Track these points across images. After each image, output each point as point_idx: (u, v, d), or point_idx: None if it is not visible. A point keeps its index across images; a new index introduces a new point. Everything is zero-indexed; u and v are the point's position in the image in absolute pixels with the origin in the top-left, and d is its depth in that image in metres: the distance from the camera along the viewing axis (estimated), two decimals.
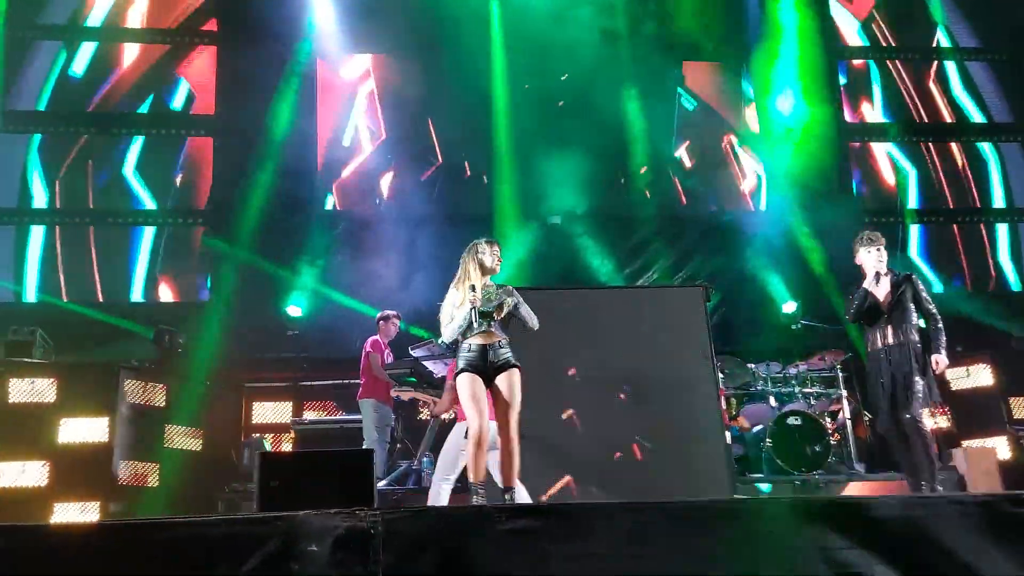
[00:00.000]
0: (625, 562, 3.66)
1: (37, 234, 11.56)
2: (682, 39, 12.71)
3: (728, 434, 7.66)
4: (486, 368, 5.63)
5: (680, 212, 12.80)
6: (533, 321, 5.84)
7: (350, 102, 12.57)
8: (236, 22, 12.22)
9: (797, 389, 9.40)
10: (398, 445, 9.14)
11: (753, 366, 9.66)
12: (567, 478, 7.15)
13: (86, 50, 12.17)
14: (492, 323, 5.65)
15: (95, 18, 12.25)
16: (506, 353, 5.69)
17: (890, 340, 6.40)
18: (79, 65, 12.09)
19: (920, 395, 6.20)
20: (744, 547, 3.64)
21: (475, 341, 5.66)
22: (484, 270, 5.79)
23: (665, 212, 12.63)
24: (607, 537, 3.71)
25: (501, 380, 5.61)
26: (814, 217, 11.78)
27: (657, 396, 7.41)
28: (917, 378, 6.23)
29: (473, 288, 5.68)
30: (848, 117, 13.40)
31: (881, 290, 6.51)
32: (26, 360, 9.00)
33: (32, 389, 8.66)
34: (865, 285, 6.52)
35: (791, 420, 8.68)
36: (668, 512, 3.87)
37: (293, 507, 3.68)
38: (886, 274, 6.54)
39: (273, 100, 11.84)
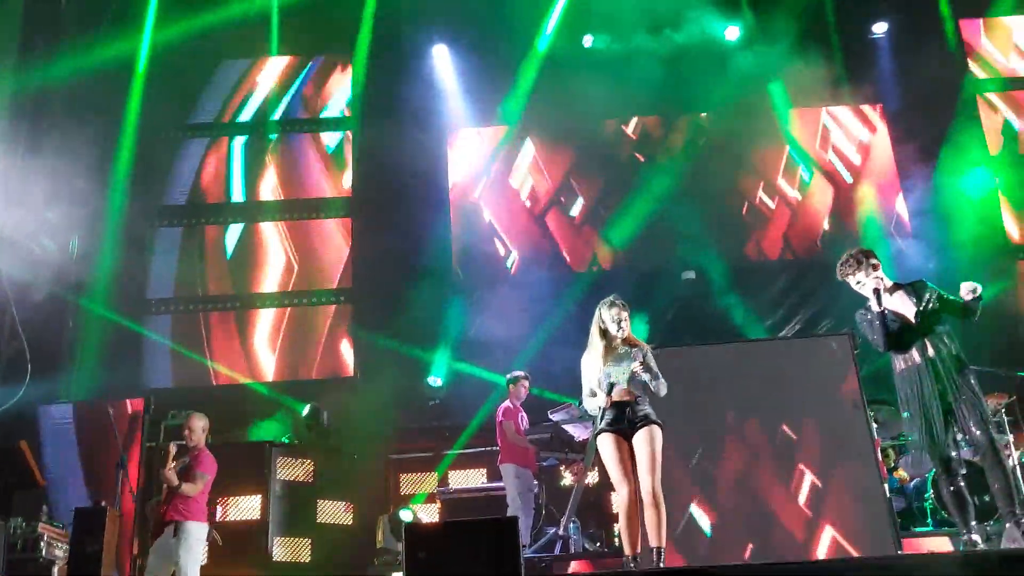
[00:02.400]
0: None
1: (198, 321, 12.17)
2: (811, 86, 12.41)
3: (886, 487, 7.24)
4: (625, 426, 5.54)
5: (820, 256, 12.40)
6: (660, 389, 5.64)
7: (480, 174, 12.87)
8: (372, 107, 12.79)
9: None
10: (542, 512, 9.03)
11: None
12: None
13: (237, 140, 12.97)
14: (628, 382, 5.57)
15: (243, 113, 13.05)
16: (645, 409, 5.60)
17: (931, 353, 5.63)
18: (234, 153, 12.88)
19: (987, 413, 5.53)
20: None
21: (612, 400, 5.57)
22: (607, 338, 5.72)
23: (804, 257, 12.31)
24: None
25: (640, 437, 5.50)
26: (965, 255, 11.18)
27: (807, 450, 7.13)
28: (979, 394, 5.54)
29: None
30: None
31: (900, 305, 5.75)
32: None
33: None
34: (873, 307, 5.73)
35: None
36: (827, 572, 3.65)
37: None
38: (891, 289, 5.81)
39: (407, 178, 12.25)
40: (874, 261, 5.89)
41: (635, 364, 5.53)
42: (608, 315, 5.76)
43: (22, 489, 7.35)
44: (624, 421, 5.54)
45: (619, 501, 5.50)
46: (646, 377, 5.57)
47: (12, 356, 10.31)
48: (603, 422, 5.58)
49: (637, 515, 5.42)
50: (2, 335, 10.45)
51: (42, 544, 7.66)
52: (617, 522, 8.69)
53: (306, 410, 10.50)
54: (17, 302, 10.10)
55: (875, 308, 5.72)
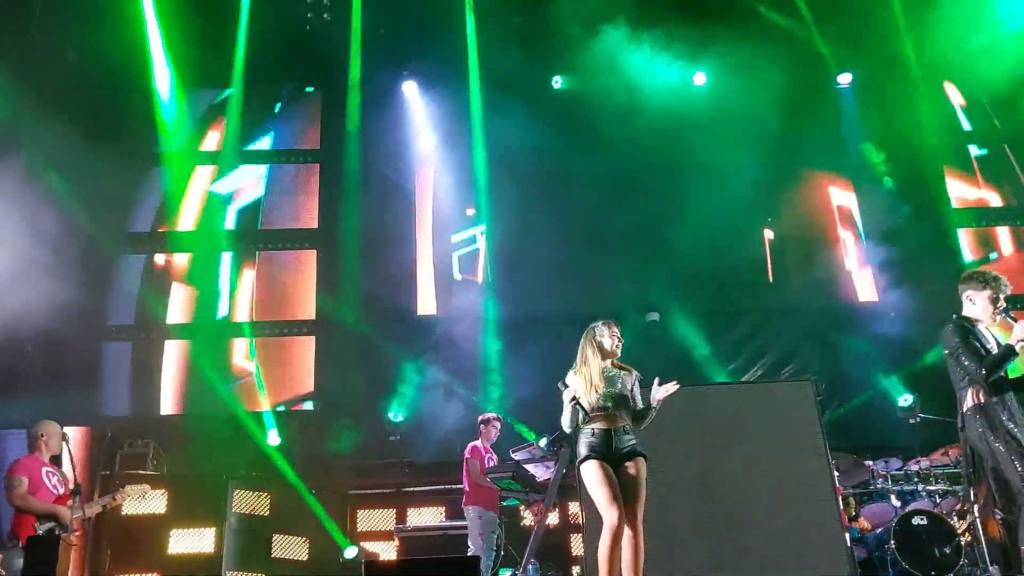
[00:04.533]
0: None
1: (157, 348, 11.94)
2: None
3: (847, 536, 7.25)
4: (611, 454, 5.37)
5: (785, 304, 12.51)
6: (644, 422, 5.66)
7: (445, 210, 12.84)
8: (334, 139, 12.77)
9: (920, 487, 8.88)
10: (502, 553, 8.93)
11: (871, 463, 9.19)
12: None
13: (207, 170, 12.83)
14: (616, 407, 5.46)
15: (214, 142, 12.95)
16: (631, 440, 5.47)
17: (1012, 396, 5.43)
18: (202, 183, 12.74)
19: None
20: None
21: (598, 426, 5.43)
22: (604, 353, 5.60)
23: (769, 304, 12.42)
24: None
25: (629, 468, 5.36)
26: (927, 306, 11.32)
27: (769, 496, 7.14)
28: None
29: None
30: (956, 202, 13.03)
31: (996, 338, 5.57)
32: (140, 472, 9.26)
33: (144, 501, 8.87)
34: (1012, 340, 5.34)
35: (916, 520, 8.15)
36: None
37: None
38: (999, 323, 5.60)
39: (373, 211, 12.23)
40: (1005, 288, 5.66)
41: (631, 388, 5.57)
42: (605, 331, 5.66)
43: None
44: (612, 448, 5.38)
45: (605, 527, 5.21)
46: (647, 414, 5.59)
47: None
48: (588, 448, 5.39)
49: (620, 543, 5.21)
50: None
51: None
52: (576, 564, 8.70)
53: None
54: None
55: (1013, 342, 5.37)
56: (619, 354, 5.69)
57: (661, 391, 5.59)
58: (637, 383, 5.70)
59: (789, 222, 12.90)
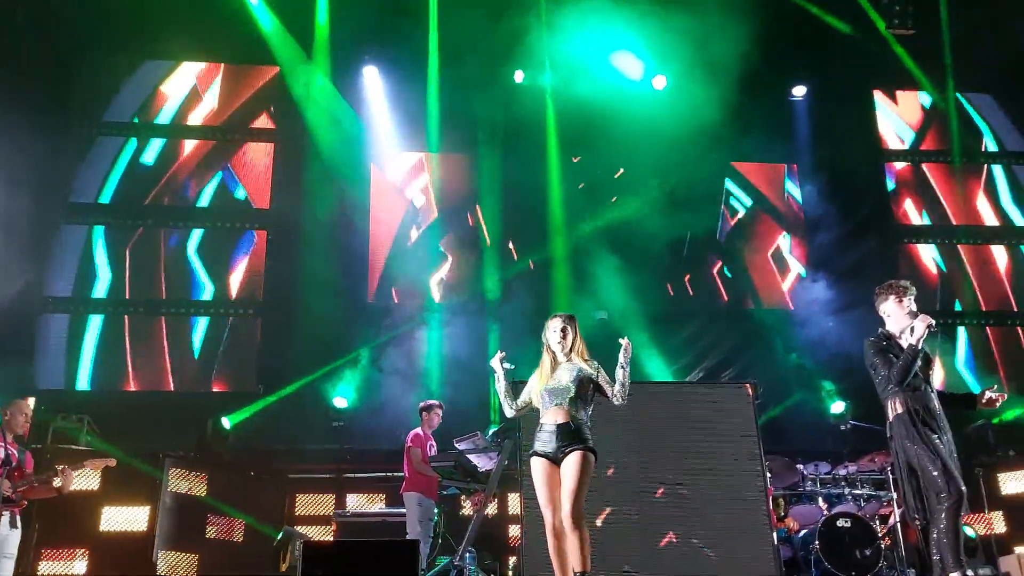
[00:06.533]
0: None
1: (94, 322, 11.75)
2: (730, 140, 12.64)
3: (775, 535, 7.45)
4: (556, 450, 5.32)
5: (726, 310, 12.75)
6: (618, 394, 5.47)
7: (401, 198, 12.83)
8: (291, 120, 12.65)
9: (847, 491, 9.13)
10: (439, 540, 8.97)
11: (801, 466, 9.43)
12: None
13: (154, 144, 12.59)
14: (568, 401, 5.39)
15: (161, 115, 12.72)
16: (577, 434, 5.32)
17: (936, 405, 5.50)
18: (149, 156, 12.50)
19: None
20: None
21: (547, 420, 5.41)
22: (551, 351, 5.57)
23: (711, 309, 12.66)
24: None
25: (567, 462, 5.26)
26: (859, 316, 11.62)
27: (703, 494, 7.31)
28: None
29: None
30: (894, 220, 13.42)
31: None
32: (72, 447, 9.10)
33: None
34: (912, 340, 5.40)
35: (841, 522, 8.40)
36: None
37: None
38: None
39: (325, 196, 12.16)
40: (911, 292, 5.69)
41: (584, 378, 5.43)
42: (547, 329, 5.62)
43: None
44: (555, 444, 5.32)
45: (546, 529, 5.29)
46: (619, 383, 5.44)
47: None
48: (534, 443, 5.41)
49: (559, 544, 5.24)
50: None
51: None
52: (512, 554, 8.81)
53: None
54: None
55: (913, 340, 5.42)
56: (566, 348, 5.55)
57: (622, 353, 5.52)
58: (601, 370, 5.56)
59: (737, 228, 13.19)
